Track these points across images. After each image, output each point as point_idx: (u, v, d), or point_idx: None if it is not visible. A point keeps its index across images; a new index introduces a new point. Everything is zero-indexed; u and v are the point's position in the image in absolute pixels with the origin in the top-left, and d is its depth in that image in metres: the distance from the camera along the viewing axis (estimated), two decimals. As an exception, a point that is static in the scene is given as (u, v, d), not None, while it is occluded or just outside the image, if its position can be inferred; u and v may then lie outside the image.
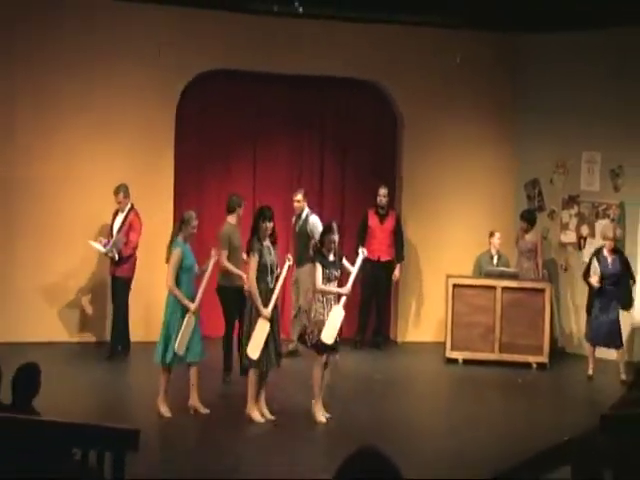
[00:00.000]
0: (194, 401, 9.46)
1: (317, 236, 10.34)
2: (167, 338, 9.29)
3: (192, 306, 9.25)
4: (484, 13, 12.43)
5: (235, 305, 10.66)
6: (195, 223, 9.47)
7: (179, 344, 9.20)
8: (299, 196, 12.10)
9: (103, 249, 11.61)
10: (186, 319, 9.24)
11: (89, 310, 12.49)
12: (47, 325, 12.23)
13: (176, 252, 9.31)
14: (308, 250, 11.33)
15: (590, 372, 11.67)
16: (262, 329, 9.14)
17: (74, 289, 12.38)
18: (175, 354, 9.25)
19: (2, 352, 10.12)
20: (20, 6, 11.98)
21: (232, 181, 13.03)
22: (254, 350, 9.12)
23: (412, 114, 13.45)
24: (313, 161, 13.59)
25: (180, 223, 9.52)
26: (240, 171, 13.19)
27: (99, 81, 12.29)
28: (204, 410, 9.46)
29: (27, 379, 6.70)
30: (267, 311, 9.13)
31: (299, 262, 11.50)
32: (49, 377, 9.67)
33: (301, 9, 11.90)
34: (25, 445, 5.98)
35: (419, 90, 13.36)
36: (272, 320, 9.21)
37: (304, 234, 11.91)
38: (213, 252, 9.63)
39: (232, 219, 10.86)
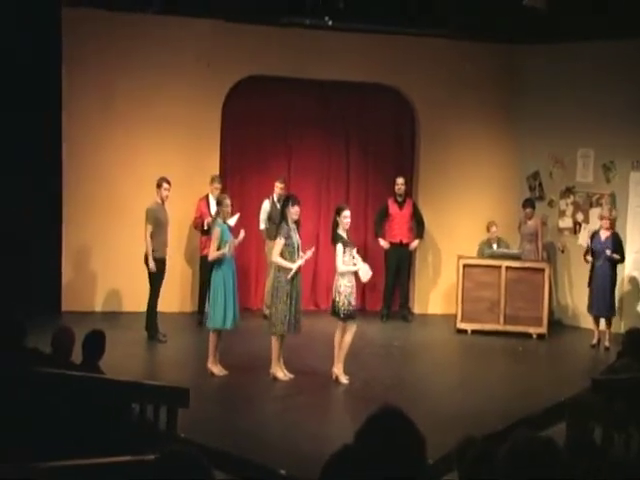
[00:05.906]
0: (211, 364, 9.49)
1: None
2: (214, 304, 9.36)
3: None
4: (489, 28, 12.31)
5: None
6: (227, 202, 9.60)
7: None
8: (283, 184, 12.14)
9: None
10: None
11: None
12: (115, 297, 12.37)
13: (214, 231, 9.57)
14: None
15: (594, 341, 11.54)
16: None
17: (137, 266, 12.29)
18: (222, 320, 9.31)
19: (92, 319, 10.32)
20: (101, 29, 12.07)
21: (269, 170, 12.93)
22: None
23: (427, 115, 13.36)
24: (340, 156, 13.49)
25: (218, 206, 9.70)
26: (277, 162, 13.12)
27: (161, 83, 12.29)
28: (222, 372, 9.45)
29: (94, 343, 6.76)
30: (295, 264, 9.17)
31: (271, 237, 11.01)
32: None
33: (330, 22, 11.85)
34: (91, 399, 6.00)
35: (434, 94, 13.26)
36: (295, 290, 9.20)
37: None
38: (241, 232, 9.75)
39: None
